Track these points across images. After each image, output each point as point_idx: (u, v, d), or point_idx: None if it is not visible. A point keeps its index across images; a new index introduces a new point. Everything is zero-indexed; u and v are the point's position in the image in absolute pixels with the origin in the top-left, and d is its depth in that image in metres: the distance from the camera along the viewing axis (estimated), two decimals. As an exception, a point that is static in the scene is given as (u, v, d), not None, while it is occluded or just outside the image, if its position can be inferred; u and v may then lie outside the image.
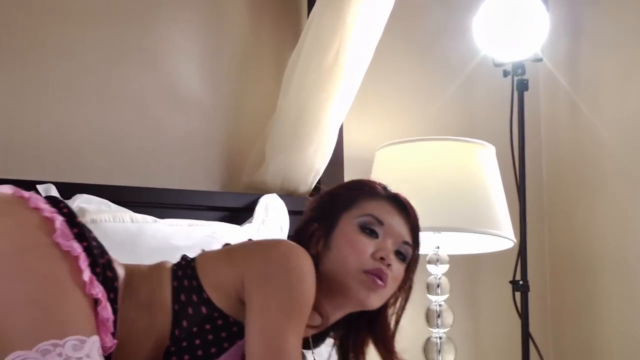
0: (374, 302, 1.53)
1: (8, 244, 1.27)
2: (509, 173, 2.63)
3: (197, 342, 1.40)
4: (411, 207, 1.61)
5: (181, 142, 2.45)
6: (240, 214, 2.30)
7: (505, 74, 2.71)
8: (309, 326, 1.46)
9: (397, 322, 1.61)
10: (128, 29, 2.43)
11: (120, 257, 1.47)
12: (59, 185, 2.07)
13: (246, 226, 2.21)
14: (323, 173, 2.44)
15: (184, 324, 1.40)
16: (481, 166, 2.39)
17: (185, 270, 1.44)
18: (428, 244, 2.38)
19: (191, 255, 1.50)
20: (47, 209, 1.33)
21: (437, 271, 2.42)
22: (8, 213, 1.31)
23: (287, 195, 2.37)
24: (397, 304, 1.60)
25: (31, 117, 2.29)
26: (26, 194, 1.36)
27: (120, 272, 1.42)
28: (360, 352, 1.61)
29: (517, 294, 2.61)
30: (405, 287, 1.60)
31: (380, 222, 1.55)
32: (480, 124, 2.88)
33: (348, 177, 2.52)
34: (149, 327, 1.40)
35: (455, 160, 2.36)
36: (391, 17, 2.35)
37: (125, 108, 2.40)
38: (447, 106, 2.84)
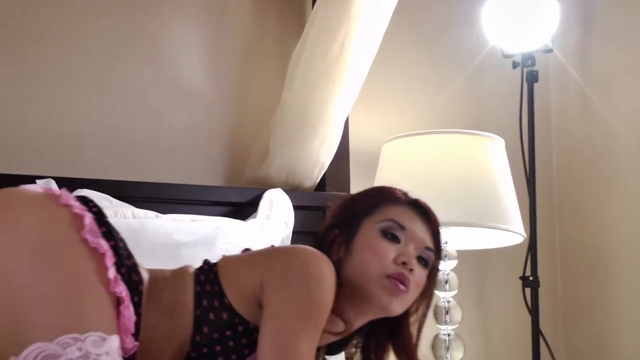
0: (397, 307, 1.54)
1: (36, 237, 1.29)
2: (518, 166, 2.62)
3: (218, 348, 1.42)
4: (432, 212, 1.62)
5: (183, 135, 2.45)
6: (244, 209, 2.29)
7: (515, 65, 2.71)
8: (331, 333, 1.49)
9: (419, 330, 1.62)
10: (129, 21, 2.43)
11: (122, 254, 1.47)
12: (59, 180, 2.06)
13: (250, 221, 2.21)
14: (328, 167, 2.43)
15: (205, 329, 1.42)
16: (490, 159, 2.38)
17: (208, 275, 1.46)
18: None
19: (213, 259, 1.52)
20: (77, 206, 1.36)
21: (446, 267, 2.41)
22: (39, 207, 1.34)
23: (292, 190, 2.37)
24: (419, 312, 1.62)
25: (31, 111, 2.29)
26: (57, 191, 1.39)
27: (145, 276, 1.44)
28: None
29: (527, 290, 2.61)
30: (427, 293, 1.61)
31: (402, 227, 1.57)
32: (489, 116, 2.88)
33: (354, 171, 2.52)
34: (171, 332, 1.42)
35: (463, 153, 2.36)
36: (398, 7, 2.34)
37: (126, 101, 2.40)
38: (455, 98, 2.83)
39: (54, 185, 2.03)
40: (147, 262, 1.51)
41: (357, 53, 2.32)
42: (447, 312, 2.39)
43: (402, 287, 1.52)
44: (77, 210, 1.35)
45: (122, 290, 1.32)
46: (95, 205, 1.40)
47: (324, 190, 2.45)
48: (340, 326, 1.50)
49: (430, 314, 2.37)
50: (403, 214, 1.58)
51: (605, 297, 2.77)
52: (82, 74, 2.36)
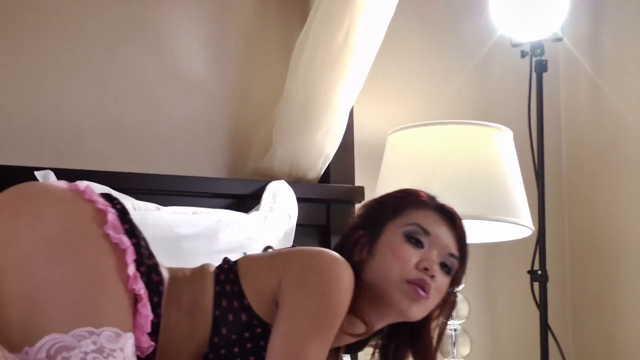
0: (416, 313, 1.55)
1: (58, 229, 1.31)
2: (526, 158, 2.62)
3: (236, 350, 1.43)
4: (458, 218, 1.63)
5: (185, 126, 2.45)
6: (246, 201, 2.29)
7: (523, 54, 2.70)
8: (351, 334, 1.51)
9: (439, 336, 1.63)
10: (130, 10, 2.43)
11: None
12: (58, 172, 2.07)
13: (253, 214, 2.21)
14: (333, 158, 2.43)
15: (223, 330, 1.44)
16: (498, 151, 2.37)
17: (228, 275, 1.48)
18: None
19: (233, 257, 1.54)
20: (101, 202, 1.38)
21: (452, 260, 2.40)
22: (62, 201, 1.36)
23: (296, 182, 2.37)
24: (441, 318, 1.63)
25: (29, 101, 2.29)
26: (82, 187, 1.41)
27: (165, 275, 1.46)
28: None
29: (536, 284, 2.60)
30: (449, 300, 1.62)
31: (426, 232, 1.57)
32: (496, 107, 2.87)
33: (359, 162, 2.51)
34: (190, 332, 1.44)
35: (470, 145, 2.35)
36: (404, -5, 2.34)
37: (127, 92, 2.39)
38: (462, 88, 2.83)
39: (52, 177, 2.04)
40: (147, 255, 1.50)
41: (362, 42, 2.31)
42: (453, 307, 2.38)
43: (422, 293, 1.53)
44: (101, 206, 1.37)
45: (140, 287, 1.33)
46: (119, 203, 1.42)
47: (328, 182, 2.45)
48: (360, 328, 1.52)
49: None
50: (428, 219, 1.59)
51: (615, 291, 2.77)
52: (82, 63, 2.35)
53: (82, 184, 1.45)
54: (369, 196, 2.42)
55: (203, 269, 1.52)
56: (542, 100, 2.66)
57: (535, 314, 2.60)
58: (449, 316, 1.64)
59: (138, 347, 1.32)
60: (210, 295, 1.45)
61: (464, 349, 2.38)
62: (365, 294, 1.50)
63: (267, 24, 2.59)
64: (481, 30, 2.81)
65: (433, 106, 2.76)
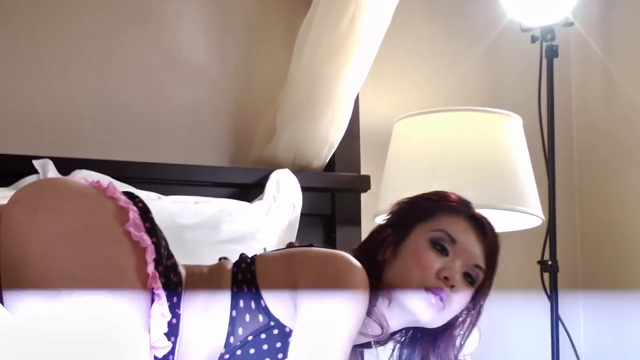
0: (431, 321, 1.56)
1: (79, 225, 1.34)
2: (536, 145, 2.61)
3: (252, 351, 1.45)
4: (491, 228, 1.62)
5: (186, 114, 2.44)
6: (249, 190, 2.29)
7: (534, 39, 2.69)
8: (367, 335, 1.52)
9: (460, 345, 1.64)
10: (130, -6, 2.43)
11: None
12: (56, 161, 2.08)
13: (256, 203, 2.21)
14: (338, 146, 2.42)
15: (240, 331, 1.45)
16: (507, 138, 2.37)
17: (245, 275, 1.49)
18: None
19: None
20: (123, 200, 1.40)
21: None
22: (84, 197, 1.39)
23: (300, 171, 2.37)
24: (464, 326, 1.63)
25: (26, 88, 2.29)
26: (104, 184, 1.43)
27: (183, 274, 1.48)
28: None
29: (546, 275, 2.60)
30: (474, 310, 1.62)
31: (453, 240, 1.57)
32: (506, 93, 2.86)
33: (364, 150, 2.51)
34: (207, 332, 1.45)
35: (479, 132, 2.34)
36: (410, -21, 2.33)
37: (127, 78, 2.39)
38: (471, 74, 2.81)
39: (51, 166, 2.06)
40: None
41: (368, 27, 2.30)
42: (461, 298, 2.38)
43: (439, 302, 1.53)
44: (123, 204, 1.39)
45: (158, 287, 1.35)
46: (141, 201, 1.44)
47: (334, 171, 2.44)
48: (376, 329, 1.53)
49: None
50: (457, 226, 1.58)
51: (628, 282, 2.76)
52: (81, 49, 2.35)
53: (105, 181, 1.48)
54: (375, 185, 2.43)
55: (220, 267, 1.53)
56: (553, 86, 2.65)
57: (546, 305, 2.59)
58: (473, 325, 1.64)
59: (154, 347, 1.34)
60: (227, 296, 1.47)
61: (472, 341, 2.37)
62: (383, 296, 1.51)
63: (271, 9, 2.58)
64: (490, 14, 2.79)
65: (441, 93, 2.75)
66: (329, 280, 1.43)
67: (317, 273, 1.45)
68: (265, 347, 1.45)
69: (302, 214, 2.27)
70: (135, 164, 2.24)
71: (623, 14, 2.85)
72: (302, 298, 1.43)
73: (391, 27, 2.36)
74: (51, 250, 1.30)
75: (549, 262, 2.58)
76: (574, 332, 2.69)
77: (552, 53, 2.66)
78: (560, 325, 2.57)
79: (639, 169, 2.76)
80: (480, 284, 1.60)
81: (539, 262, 2.61)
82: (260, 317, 1.45)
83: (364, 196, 2.46)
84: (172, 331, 1.40)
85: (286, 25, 2.59)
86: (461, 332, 1.63)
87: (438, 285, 1.53)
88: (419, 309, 1.53)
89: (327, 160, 2.43)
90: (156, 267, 1.37)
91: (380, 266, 1.54)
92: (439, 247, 1.56)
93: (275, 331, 1.46)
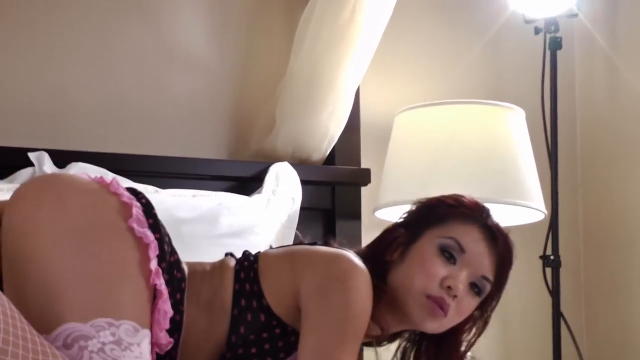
0: (430, 328, 1.56)
1: (82, 220, 1.34)
2: (539, 139, 2.60)
3: (254, 350, 1.46)
4: (504, 240, 1.60)
5: (185, 106, 2.44)
6: (248, 183, 2.29)
7: (537, 31, 2.68)
8: (368, 335, 1.51)
9: (464, 351, 1.64)
10: (127, -16, 2.42)
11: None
12: (52, 153, 2.08)
13: (255, 197, 2.21)
14: (338, 139, 2.42)
15: (242, 330, 1.46)
16: (509, 131, 2.36)
17: (248, 273, 1.50)
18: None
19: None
20: (127, 195, 1.40)
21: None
22: (87, 192, 1.39)
23: (300, 164, 2.37)
24: (471, 334, 1.63)
25: (22, 80, 2.28)
26: (107, 179, 1.43)
27: (185, 271, 1.48)
28: None
29: (548, 270, 2.60)
30: (481, 320, 1.62)
31: (462, 250, 1.55)
32: (508, 85, 2.86)
33: (365, 143, 2.50)
34: (208, 330, 1.46)
35: (481, 125, 2.34)
36: (412, -31, 2.32)
37: (124, 69, 2.39)
38: (473, 67, 2.81)
39: (47, 158, 2.06)
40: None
41: (369, 18, 2.30)
42: (463, 293, 2.38)
43: (439, 311, 1.52)
44: (126, 199, 1.39)
45: (161, 283, 1.35)
46: (145, 197, 1.44)
47: (334, 164, 2.44)
48: (375, 330, 1.53)
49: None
50: (469, 235, 1.57)
51: (631, 277, 2.76)
52: (77, 39, 2.35)
53: (108, 176, 1.49)
54: (375, 179, 2.43)
55: (223, 264, 1.53)
56: (556, 79, 2.65)
57: (548, 300, 2.59)
58: (479, 334, 1.63)
59: (156, 343, 1.35)
60: (229, 294, 1.47)
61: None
62: (385, 297, 1.51)
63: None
64: (493, 5, 2.79)
65: (442, 85, 2.74)
66: (332, 280, 1.44)
67: (320, 273, 1.45)
68: (267, 346, 1.46)
69: (301, 208, 2.27)
70: (133, 156, 2.24)
71: (628, 5, 2.85)
72: (307, 298, 1.44)
73: (392, 18, 2.36)
74: (54, 246, 1.30)
75: (551, 257, 2.58)
76: (575, 327, 2.69)
77: (555, 45, 2.66)
78: (562, 321, 2.57)
79: (643, 163, 2.76)
80: (488, 296, 1.59)
81: (541, 257, 2.61)
82: (262, 316, 1.46)
83: (364, 190, 2.45)
84: (176, 328, 1.41)
85: (286, 16, 2.58)
86: (467, 338, 1.63)
87: (440, 294, 1.52)
88: (418, 315, 1.53)
89: (327, 154, 2.43)
90: (159, 264, 1.37)
91: (387, 267, 1.54)
92: (447, 254, 1.54)
93: (278, 330, 1.46)
